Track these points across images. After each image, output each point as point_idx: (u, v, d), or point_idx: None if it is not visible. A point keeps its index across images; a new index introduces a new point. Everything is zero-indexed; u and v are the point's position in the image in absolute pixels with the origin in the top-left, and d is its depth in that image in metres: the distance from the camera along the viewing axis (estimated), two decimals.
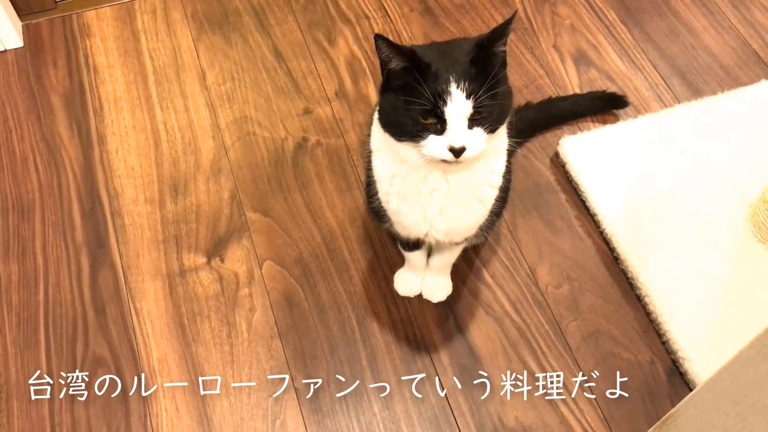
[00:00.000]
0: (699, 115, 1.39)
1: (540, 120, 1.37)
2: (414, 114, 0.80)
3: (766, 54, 1.50)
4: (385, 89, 0.85)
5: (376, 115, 0.91)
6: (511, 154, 1.05)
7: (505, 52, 0.84)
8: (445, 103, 0.78)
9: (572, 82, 1.46)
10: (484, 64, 0.80)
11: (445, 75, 0.78)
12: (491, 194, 0.93)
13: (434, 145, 0.81)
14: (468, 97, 0.78)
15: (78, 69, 1.47)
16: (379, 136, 0.91)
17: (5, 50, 1.48)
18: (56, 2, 1.55)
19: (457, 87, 0.78)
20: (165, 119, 1.40)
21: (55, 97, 1.43)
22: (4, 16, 1.45)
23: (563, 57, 1.50)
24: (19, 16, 1.51)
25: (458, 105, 0.78)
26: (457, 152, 0.80)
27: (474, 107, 0.78)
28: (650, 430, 0.96)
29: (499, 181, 0.92)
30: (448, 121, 0.79)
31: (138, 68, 1.47)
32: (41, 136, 1.38)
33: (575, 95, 1.43)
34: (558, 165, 1.35)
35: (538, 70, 1.48)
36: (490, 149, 0.86)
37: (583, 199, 1.29)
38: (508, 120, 0.89)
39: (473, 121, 0.80)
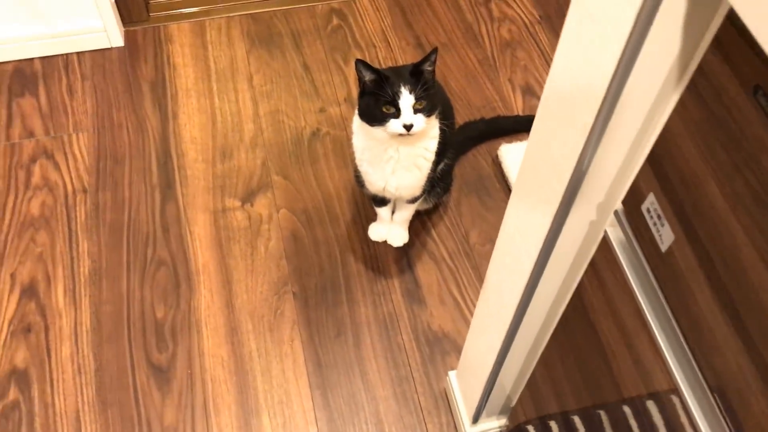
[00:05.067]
0: None
1: (489, 131, 1.90)
2: (380, 106, 1.33)
3: None
4: (361, 94, 1.38)
5: (356, 111, 1.44)
6: (462, 153, 1.60)
7: (431, 70, 1.36)
8: (399, 97, 1.31)
9: (518, 107, 1.99)
10: (418, 75, 1.33)
11: (397, 82, 1.31)
12: (425, 165, 1.45)
13: (394, 124, 1.34)
14: (410, 92, 1.31)
15: (162, 65, 2.03)
16: (357, 123, 1.44)
17: (111, 47, 2.05)
18: (149, 16, 2.12)
19: (404, 88, 1.31)
20: (220, 106, 1.95)
21: (144, 83, 1.99)
22: (113, 22, 2.01)
23: (514, 88, 2.03)
24: (122, 23, 2.08)
25: (406, 98, 1.31)
26: (408, 127, 1.32)
27: (415, 98, 1.31)
28: None
29: (431, 156, 1.45)
30: (401, 109, 1.32)
31: (204, 68, 2.03)
32: (132, 110, 1.94)
33: (517, 116, 1.95)
34: (497, 163, 1.87)
35: (494, 96, 2.01)
36: (426, 134, 1.39)
37: (510, 187, 1.81)
38: (447, 126, 1.43)
39: (416, 110, 1.33)
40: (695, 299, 0.62)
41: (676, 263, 0.64)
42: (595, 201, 0.78)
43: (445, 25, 2.15)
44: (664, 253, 0.65)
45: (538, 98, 2.01)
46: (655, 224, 0.66)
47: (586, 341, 0.87)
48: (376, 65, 1.34)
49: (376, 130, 1.37)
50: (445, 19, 2.16)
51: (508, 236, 0.97)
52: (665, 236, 0.64)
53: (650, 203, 0.66)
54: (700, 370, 0.64)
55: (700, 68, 0.58)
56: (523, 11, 2.19)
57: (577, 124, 0.70)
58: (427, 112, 1.34)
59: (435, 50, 1.34)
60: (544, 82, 2.07)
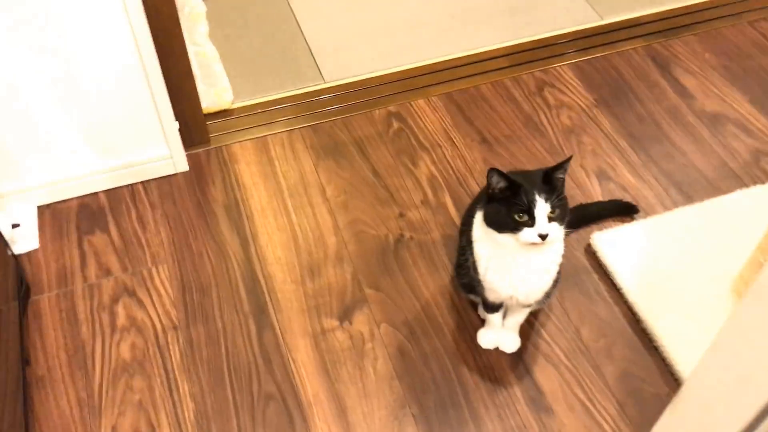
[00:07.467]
0: (691, 216, 1.89)
1: (575, 220, 1.87)
2: (513, 214, 1.29)
3: (739, 171, 2.02)
4: (489, 201, 1.34)
5: (478, 217, 1.40)
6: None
7: (563, 177, 1.33)
8: (534, 206, 1.28)
9: (596, 193, 1.97)
10: (551, 183, 1.30)
11: (531, 190, 1.28)
12: (554, 268, 1.41)
13: (528, 234, 1.30)
14: (545, 201, 1.28)
15: (231, 186, 1.99)
16: (481, 231, 1.40)
17: (176, 173, 2.01)
18: (210, 137, 2.09)
19: (539, 196, 1.28)
20: (299, 222, 1.91)
21: (217, 207, 1.94)
22: (179, 148, 1.98)
23: (588, 174, 2.02)
24: (184, 147, 2.05)
25: (541, 207, 1.28)
26: (543, 237, 1.28)
27: (551, 207, 1.28)
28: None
29: (559, 259, 1.41)
30: (536, 218, 1.28)
31: (275, 185, 1.99)
32: (210, 236, 1.88)
33: (599, 202, 1.93)
34: (590, 253, 1.83)
35: (570, 183, 1.99)
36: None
37: (611, 277, 1.77)
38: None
39: (550, 218, 1.29)
40: None
41: None
42: None
43: (504, 118, 2.16)
44: None
45: (614, 182, 2.00)
46: None
47: None
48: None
49: (505, 238, 1.33)
50: (503, 111, 2.17)
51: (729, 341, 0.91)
52: None
53: None
54: None
55: None
56: (577, 96, 2.21)
57: None
58: (561, 220, 1.31)
59: (569, 158, 1.32)
60: (616, 165, 2.07)
